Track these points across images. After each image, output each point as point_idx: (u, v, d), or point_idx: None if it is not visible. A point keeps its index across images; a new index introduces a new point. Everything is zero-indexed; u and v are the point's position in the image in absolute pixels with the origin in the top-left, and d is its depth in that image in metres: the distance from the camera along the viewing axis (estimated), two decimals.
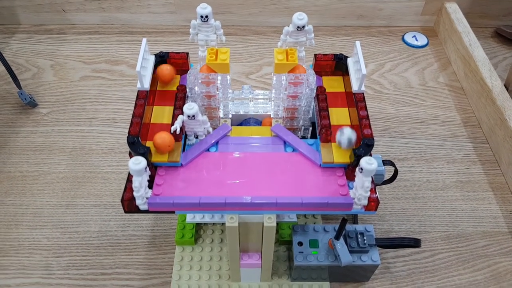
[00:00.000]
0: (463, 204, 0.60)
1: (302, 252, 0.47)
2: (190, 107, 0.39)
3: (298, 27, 0.40)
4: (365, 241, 0.47)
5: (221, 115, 0.47)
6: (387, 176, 0.49)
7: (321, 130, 0.41)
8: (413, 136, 0.69)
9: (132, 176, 0.37)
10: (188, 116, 0.40)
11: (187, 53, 0.46)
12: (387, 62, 0.81)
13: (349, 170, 0.40)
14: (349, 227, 0.49)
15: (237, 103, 0.50)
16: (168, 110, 0.44)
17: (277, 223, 0.53)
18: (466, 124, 0.71)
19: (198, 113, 0.40)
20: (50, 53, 0.80)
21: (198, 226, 0.55)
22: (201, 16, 0.40)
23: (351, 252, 0.46)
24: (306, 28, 0.41)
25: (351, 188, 0.39)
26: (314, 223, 0.56)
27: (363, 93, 0.43)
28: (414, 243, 0.48)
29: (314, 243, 0.48)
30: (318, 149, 0.42)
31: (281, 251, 0.53)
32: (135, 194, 0.36)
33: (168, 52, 0.46)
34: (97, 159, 0.63)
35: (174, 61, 0.46)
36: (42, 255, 0.53)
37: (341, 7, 0.84)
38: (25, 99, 0.68)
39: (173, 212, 0.39)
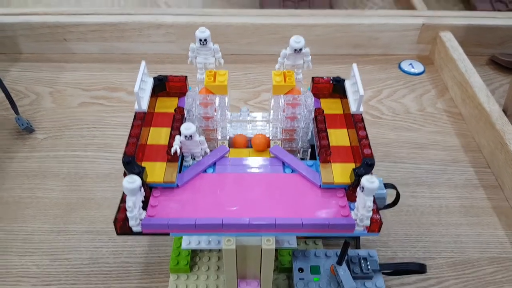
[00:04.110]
0: (468, 230, 0.58)
1: (303, 279, 0.45)
2: (187, 127, 0.38)
3: (295, 49, 0.40)
4: (369, 267, 0.45)
5: (219, 137, 0.47)
6: (389, 200, 0.48)
7: (321, 150, 0.41)
8: (414, 161, 0.68)
9: (125, 196, 0.36)
10: (185, 137, 0.39)
11: (186, 76, 0.46)
12: (385, 89, 0.81)
13: (350, 191, 0.39)
14: (351, 252, 0.47)
15: (235, 125, 0.49)
16: (165, 131, 0.43)
17: (277, 249, 0.51)
18: (466, 149, 0.70)
19: (195, 133, 0.39)
20: (50, 81, 0.80)
21: (194, 253, 0.53)
22: (200, 40, 0.41)
23: (354, 278, 0.44)
24: (303, 51, 0.41)
25: (353, 210, 0.38)
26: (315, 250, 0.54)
27: (361, 114, 0.43)
28: (420, 268, 0.46)
29: (315, 269, 0.46)
30: (317, 170, 0.41)
31: (281, 279, 0.51)
32: (128, 214, 0.35)
33: (167, 76, 0.46)
34: (92, 184, 0.62)
35: (172, 84, 0.46)
36: (30, 283, 0.51)
37: (338, 36, 0.85)
38: (22, 124, 0.67)
39: (168, 234, 0.37)
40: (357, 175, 0.37)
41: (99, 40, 0.83)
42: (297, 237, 0.47)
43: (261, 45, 0.86)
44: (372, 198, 0.35)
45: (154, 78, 0.45)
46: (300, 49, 0.40)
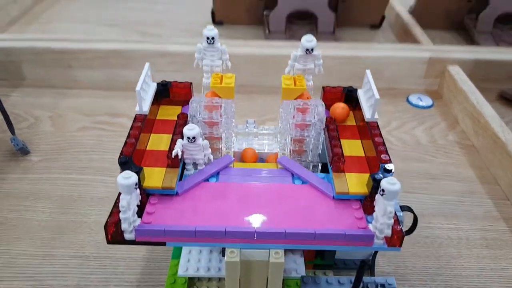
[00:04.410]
0: (491, 263, 0.53)
1: None
2: (190, 128, 0.36)
3: (306, 49, 0.39)
4: None
5: (224, 148, 0.44)
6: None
7: (333, 159, 0.37)
8: (428, 192, 0.64)
9: (119, 198, 0.32)
10: (188, 139, 0.36)
11: (191, 83, 0.44)
12: (393, 121, 0.79)
13: (367, 202, 0.36)
14: (367, 279, 0.42)
15: (241, 139, 0.46)
16: (167, 137, 0.41)
17: (283, 280, 0.46)
18: (482, 181, 0.66)
19: (198, 135, 0.36)
20: (50, 106, 0.79)
21: (191, 282, 0.47)
22: (207, 38, 0.39)
23: None
24: (314, 52, 0.39)
25: (370, 223, 0.34)
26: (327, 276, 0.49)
27: (376, 122, 0.40)
28: None
29: None
30: (330, 182, 0.38)
31: None
32: (121, 215, 0.31)
33: (171, 81, 0.44)
34: (85, 207, 0.58)
35: (176, 90, 0.44)
36: None
37: (344, 69, 0.85)
38: (17, 144, 0.65)
39: (164, 244, 0.33)
40: (375, 181, 0.34)
41: (104, 67, 0.83)
42: (306, 267, 0.42)
43: (266, 76, 0.85)
44: (393, 204, 0.32)
45: (158, 84, 0.43)
46: (312, 49, 0.38)
